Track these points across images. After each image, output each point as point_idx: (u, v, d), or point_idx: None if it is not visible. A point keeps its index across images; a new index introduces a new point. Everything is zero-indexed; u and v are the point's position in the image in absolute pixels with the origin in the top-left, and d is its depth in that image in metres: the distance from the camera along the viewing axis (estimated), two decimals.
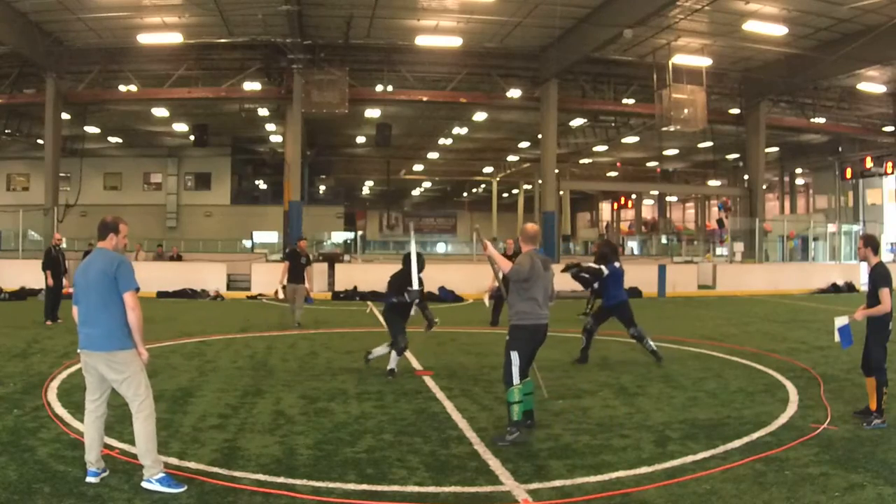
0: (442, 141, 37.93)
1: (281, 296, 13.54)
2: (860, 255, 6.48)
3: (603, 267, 9.49)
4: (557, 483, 4.71)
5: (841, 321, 6.43)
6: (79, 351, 4.59)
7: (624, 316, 9.49)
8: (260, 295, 19.93)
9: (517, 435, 5.57)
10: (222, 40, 22.18)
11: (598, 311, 9.82)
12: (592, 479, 4.76)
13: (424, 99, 25.50)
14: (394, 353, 8.31)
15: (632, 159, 43.68)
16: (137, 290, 4.53)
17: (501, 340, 10.67)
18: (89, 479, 4.50)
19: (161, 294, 19.55)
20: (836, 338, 6.42)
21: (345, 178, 51.54)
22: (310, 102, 22.74)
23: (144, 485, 4.43)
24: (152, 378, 7.87)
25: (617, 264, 9.64)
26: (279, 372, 8.53)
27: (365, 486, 4.58)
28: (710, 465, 5.02)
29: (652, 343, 9.40)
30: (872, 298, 6.22)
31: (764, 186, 30.54)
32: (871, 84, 25.99)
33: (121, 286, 4.46)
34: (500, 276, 6.57)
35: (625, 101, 26.39)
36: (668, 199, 56.86)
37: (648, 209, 59.18)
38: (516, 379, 5.69)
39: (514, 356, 5.74)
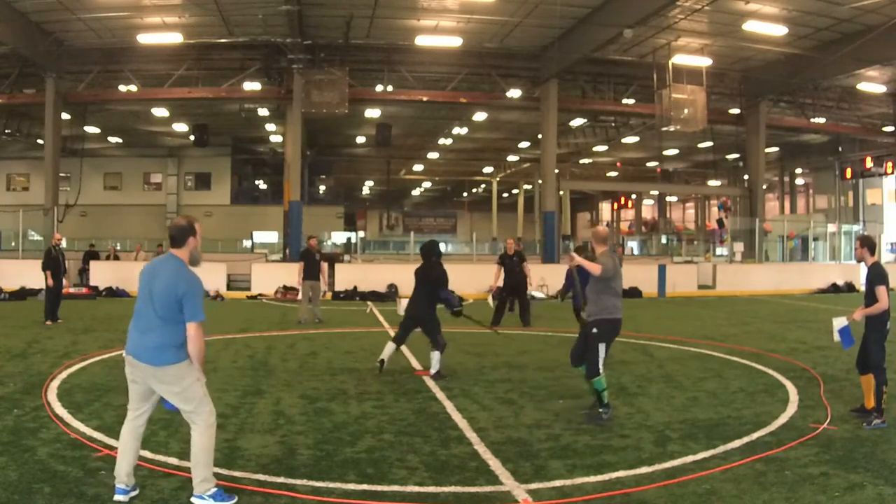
0: (442, 141, 37.92)
1: (300, 296, 14.20)
2: (857, 255, 6.59)
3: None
4: (557, 483, 4.71)
5: (840, 322, 6.45)
6: (124, 355, 4.30)
7: None
8: (260, 295, 19.95)
9: (610, 413, 6.30)
10: (222, 40, 22.17)
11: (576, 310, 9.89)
12: (592, 479, 4.77)
13: (424, 99, 25.50)
14: (437, 353, 8.26)
15: (632, 159, 43.68)
16: (203, 321, 4.21)
17: (502, 341, 10.73)
18: (118, 498, 4.20)
19: None
20: (836, 338, 6.46)
21: (345, 178, 51.54)
22: (310, 102, 22.74)
23: (195, 500, 4.19)
24: None
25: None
26: (279, 372, 8.53)
27: (365, 486, 4.59)
28: (710, 465, 5.02)
29: None
30: (870, 298, 6.28)
31: (764, 186, 30.53)
32: (871, 84, 25.99)
33: (186, 314, 4.15)
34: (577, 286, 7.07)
35: (625, 101, 26.38)
36: (668, 199, 56.86)
37: (648, 209, 59.18)
38: (602, 369, 6.33)
39: (603, 348, 6.39)
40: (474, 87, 25.65)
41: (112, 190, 39.39)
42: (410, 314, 8.40)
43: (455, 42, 22.10)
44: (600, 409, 6.32)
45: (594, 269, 6.38)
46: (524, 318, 13.24)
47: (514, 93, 24.95)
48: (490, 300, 14.07)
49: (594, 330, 6.41)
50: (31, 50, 20.77)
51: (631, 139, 34.04)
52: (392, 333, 11.74)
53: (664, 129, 24.21)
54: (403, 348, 8.67)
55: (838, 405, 6.79)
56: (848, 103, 28.50)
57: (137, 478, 4.60)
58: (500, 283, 13.75)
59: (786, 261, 28.64)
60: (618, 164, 45.58)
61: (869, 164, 33.29)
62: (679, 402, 7.02)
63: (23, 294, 18.22)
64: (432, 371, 8.21)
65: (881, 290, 6.16)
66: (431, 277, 8.32)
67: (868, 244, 6.47)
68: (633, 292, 21.47)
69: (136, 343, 4.23)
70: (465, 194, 59.41)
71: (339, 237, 40.90)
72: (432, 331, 8.31)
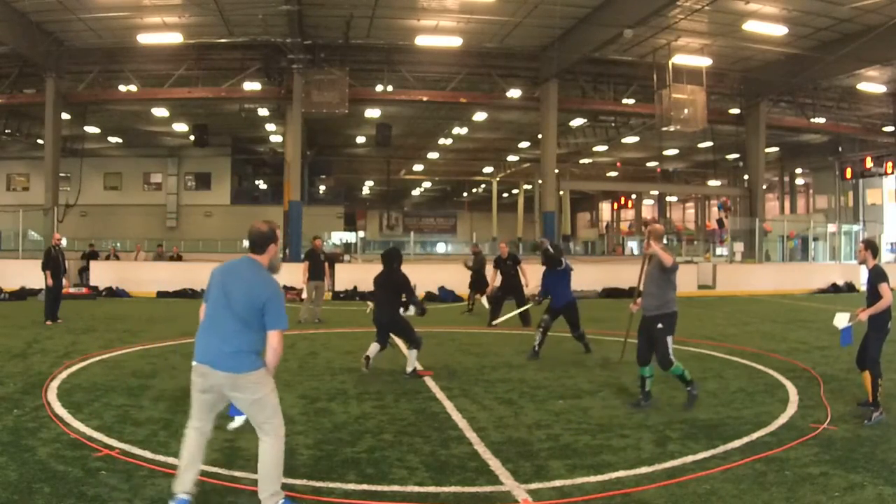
0: (442, 141, 37.93)
1: (304, 295, 14.40)
2: (860, 257, 6.77)
3: (564, 260, 9.83)
4: (557, 483, 4.70)
5: (843, 321, 6.63)
6: (196, 364, 4.07)
7: (572, 316, 9.82)
8: None
9: (695, 388, 6.81)
10: (222, 40, 22.19)
11: (549, 308, 9.89)
12: (592, 479, 4.76)
13: (424, 99, 25.51)
14: (413, 352, 8.39)
15: (632, 159, 43.69)
16: (285, 329, 4.07)
17: (502, 340, 10.73)
18: None
19: (161, 294, 19.56)
20: (839, 325, 6.70)
21: (345, 178, 51.55)
22: (310, 102, 22.75)
23: None
24: (152, 378, 7.92)
25: (567, 263, 9.96)
26: (279, 372, 8.43)
27: (365, 486, 4.58)
28: (710, 465, 5.02)
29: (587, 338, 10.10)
30: (873, 297, 6.47)
31: (764, 186, 30.56)
32: (871, 84, 26.00)
33: (268, 322, 3.99)
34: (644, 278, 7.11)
35: (625, 101, 26.39)
36: (668, 199, 56.87)
37: (648, 209, 59.17)
38: (672, 357, 6.69)
39: (670, 340, 6.70)
40: (474, 87, 25.66)
41: (112, 190, 39.41)
42: (379, 322, 8.44)
43: (455, 42, 22.11)
44: (688, 388, 6.78)
45: (668, 258, 6.65)
46: (523, 318, 13.29)
47: (514, 93, 24.95)
48: (484, 301, 14.31)
49: (659, 325, 6.66)
50: (31, 50, 20.78)
51: (631, 139, 34.05)
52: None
53: (664, 129, 24.23)
54: (403, 349, 8.67)
55: (838, 405, 6.78)
56: (848, 103, 28.52)
57: (137, 478, 4.61)
58: (497, 283, 13.92)
59: (786, 261, 28.64)
60: (618, 164, 45.59)
61: (869, 164, 33.30)
62: (679, 402, 7.01)
63: (23, 294, 18.21)
64: (408, 369, 8.26)
65: (884, 287, 6.37)
66: (392, 283, 8.41)
67: (872, 247, 6.71)
68: (633, 292, 21.49)
69: (212, 350, 4.02)
70: (465, 194, 59.43)
71: (341, 236, 40.87)
72: (403, 332, 8.42)
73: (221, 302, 4.05)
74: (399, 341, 8.70)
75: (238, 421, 4.26)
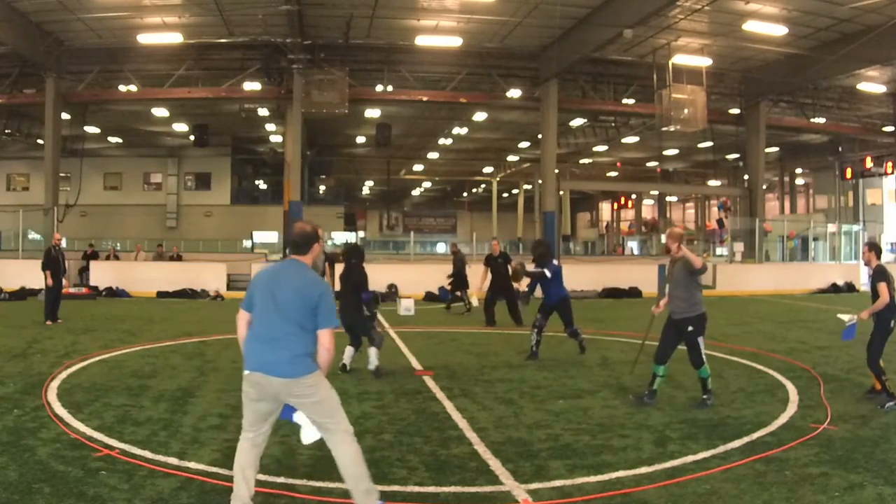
0: (442, 141, 37.92)
1: None
2: (864, 258, 7.27)
3: (546, 270, 9.53)
4: (557, 483, 4.70)
5: (847, 319, 7.08)
6: (248, 373, 3.91)
7: (565, 313, 9.66)
8: None
9: (712, 399, 6.84)
10: (222, 40, 22.18)
11: (542, 306, 9.77)
12: (592, 479, 4.76)
13: (424, 99, 25.49)
14: (373, 350, 8.33)
15: (632, 159, 43.67)
16: (337, 327, 4.05)
17: (502, 341, 10.72)
18: None
19: (161, 294, 19.56)
20: (845, 320, 7.13)
21: (345, 178, 51.54)
22: (310, 102, 22.74)
23: None
24: (152, 378, 7.92)
25: (555, 262, 9.79)
26: None
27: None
28: (710, 465, 5.02)
29: (583, 336, 9.94)
30: (875, 297, 6.89)
31: (764, 186, 30.54)
32: (871, 84, 25.99)
33: (320, 321, 3.92)
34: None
35: (625, 101, 26.38)
36: (668, 199, 56.83)
37: (648, 209, 59.16)
38: (705, 358, 6.81)
39: (702, 340, 6.81)
40: (474, 87, 25.64)
41: (112, 190, 39.37)
42: (345, 324, 8.30)
43: (455, 42, 22.11)
44: (704, 396, 6.84)
45: (697, 261, 6.77)
46: (515, 317, 13.28)
47: (514, 93, 24.94)
48: (475, 300, 14.34)
49: (690, 328, 6.77)
50: (31, 50, 20.77)
51: (631, 139, 34.04)
52: (393, 333, 11.79)
53: (664, 129, 24.22)
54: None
55: (838, 405, 6.79)
56: (848, 103, 28.50)
57: (137, 478, 4.61)
58: (488, 283, 13.89)
59: (786, 261, 28.63)
60: (618, 164, 45.57)
61: (869, 164, 33.29)
62: (679, 402, 7.03)
63: (23, 294, 18.22)
64: (370, 367, 8.25)
65: (882, 286, 6.78)
66: (352, 282, 8.39)
67: (876, 249, 7.19)
68: (633, 292, 21.50)
69: (265, 356, 3.87)
70: (465, 194, 59.41)
71: (340, 237, 40.86)
72: (364, 331, 8.39)
73: (270, 307, 3.93)
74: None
75: (308, 435, 4.04)
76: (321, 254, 4.11)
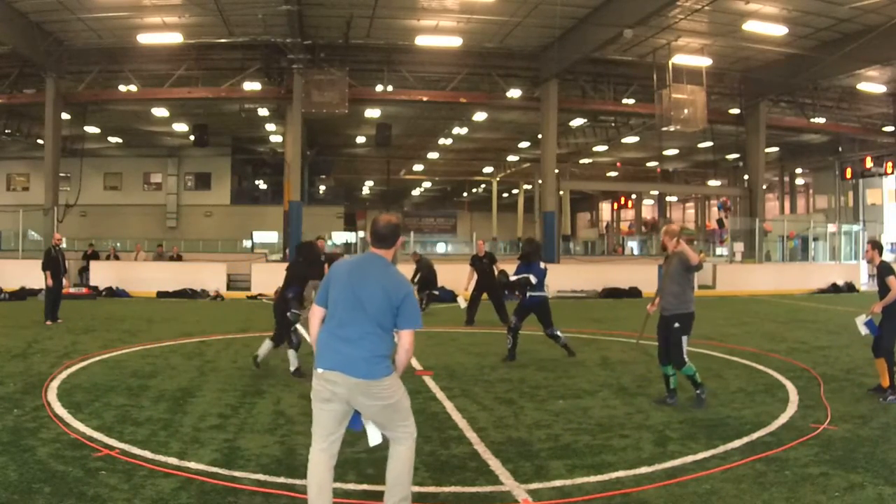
0: (442, 141, 37.92)
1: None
2: (867, 256, 7.60)
3: (531, 276, 9.36)
4: (557, 483, 4.70)
5: (862, 318, 7.45)
6: (322, 371, 3.71)
7: (544, 315, 9.52)
8: (260, 295, 19.94)
9: (704, 392, 6.80)
10: (222, 40, 22.17)
11: (518, 308, 9.68)
12: (592, 479, 4.76)
13: (424, 99, 25.49)
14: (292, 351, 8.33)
15: (632, 159, 43.67)
16: (420, 328, 3.85)
17: (502, 340, 10.71)
18: None
19: (161, 294, 19.56)
20: (863, 332, 7.43)
21: (345, 178, 51.53)
22: (310, 102, 22.73)
23: None
24: (152, 378, 7.93)
25: (542, 265, 9.63)
26: (279, 372, 8.53)
27: (365, 486, 4.59)
28: (710, 465, 5.02)
29: (563, 337, 9.67)
30: (884, 290, 7.19)
31: (764, 186, 30.52)
32: (871, 84, 25.99)
33: (403, 321, 3.74)
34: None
35: (625, 101, 26.37)
36: (668, 199, 56.84)
37: (648, 209, 59.17)
38: (686, 357, 6.73)
39: (686, 340, 6.75)
40: (474, 87, 25.64)
41: (112, 190, 39.37)
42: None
43: (455, 42, 22.10)
44: (697, 391, 6.79)
45: (694, 257, 6.73)
46: (502, 317, 13.30)
47: (514, 93, 24.94)
48: (460, 302, 14.38)
49: (676, 325, 6.72)
50: (31, 50, 20.77)
51: (631, 139, 34.03)
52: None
53: (664, 129, 24.20)
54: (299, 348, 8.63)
55: (838, 405, 6.79)
56: (848, 103, 28.49)
57: (137, 478, 4.61)
58: (473, 284, 13.92)
59: (786, 261, 28.64)
60: (618, 164, 45.57)
61: (869, 164, 33.28)
62: (679, 401, 7.02)
63: (23, 294, 18.22)
64: (291, 368, 8.23)
65: (892, 280, 7.08)
66: (291, 276, 8.48)
67: (878, 247, 7.54)
68: (633, 292, 21.51)
69: (344, 355, 3.68)
70: (465, 194, 59.39)
71: (341, 238, 40.84)
72: (285, 330, 8.40)
73: (352, 304, 3.73)
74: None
75: (374, 436, 3.92)
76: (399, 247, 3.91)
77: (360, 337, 3.68)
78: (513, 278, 9.68)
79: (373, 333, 3.69)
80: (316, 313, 3.91)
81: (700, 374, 8.48)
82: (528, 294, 9.46)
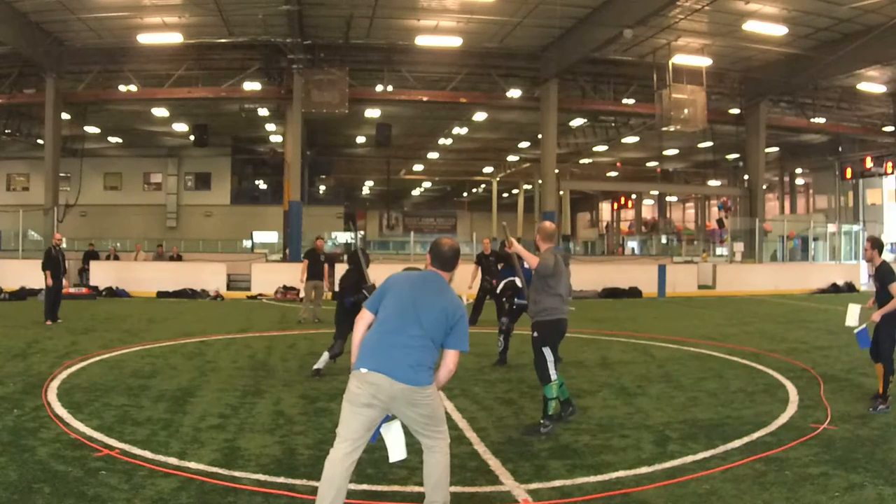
0: (442, 141, 37.92)
1: (302, 294, 14.64)
2: (867, 255, 7.07)
3: (516, 280, 9.21)
4: (557, 483, 4.70)
5: (854, 317, 7.14)
6: (366, 371, 3.73)
7: (516, 316, 9.47)
8: (260, 295, 19.94)
9: (550, 428, 5.78)
10: (222, 40, 22.18)
11: (509, 310, 9.65)
12: (592, 479, 4.76)
13: (424, 99, 25.50)
14: (326, 354, 8.30)
15: (632, 159, 43.67)
16: (467, 351, 4.02)
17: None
18: None
19: (161, 294, 19.56)
20: (850, 323, 7.10)
21: (345, 178, 51.51)
22: (310, 102, 22.74)
23: None
24: (152, 378, 7.92)
25: (526, 265, 9.59)
26: (279, 372, 8.52)
27: (365, 486, 4.58)
28: (710, 465, 5.02)
29: (504, 347, 9.40)
30: (883, 294, 6.75)
31: (764, 186, 30.54)
32: (871, 84, 26.00)
33: (452, 341, 3.92)
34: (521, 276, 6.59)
35: (625, 101, 26.38)
36: (668, 199, 56.82)
37: (648, 209, 59.15)
38: (554, 375, 5.90)
39: (548, 352, 5.98)
40: (474, 87, 25.66)
41: (112, 190, 39.38)
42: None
43: (455, 42, 22.11)
44: (541, 421, 5.83)
45: (531, 259, 6.01)
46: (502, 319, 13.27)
47: (514, 93, 24.95)
48: (464, 301, 14.26)
49: (535, 333, 6.07)
50: (31, 50, 20.77)
51: (631, 139, 34.04)
52: None
53: (664, 129, 24.23)
54: None
55: (838, 405, 6.78)
56: (848, 103, 28.51)
57: (137, 478, 4.61)
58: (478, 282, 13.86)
59: (786, 261, 28.65)
60: (618, 164, 45.56)
61: (869, 164, 33.30)
62: (679, 402, 7.02)
63: (23, 294, 18.22)
64: (316, 366, 8.30)
65: (894, 287, 6.59)
66: (346, 285, 8.44)
67: (878, 246, 7.01)
68: (633, 292, 21.51)
69: (393, 360, 3.73)
70: (465, 194, 59.37)
71: (342, 237, 40.86)
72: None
73: (410, 313, 3.84)
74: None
75: (397, 452, 3.99)
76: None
77: (411, 346, 3.78)
78: (499, 290, 9.65)
79: (424, 346, 3.81)
80: (365, 318, 3.98)
81: (700, 374, 8.53)
82: (515, 299, 9.40)
